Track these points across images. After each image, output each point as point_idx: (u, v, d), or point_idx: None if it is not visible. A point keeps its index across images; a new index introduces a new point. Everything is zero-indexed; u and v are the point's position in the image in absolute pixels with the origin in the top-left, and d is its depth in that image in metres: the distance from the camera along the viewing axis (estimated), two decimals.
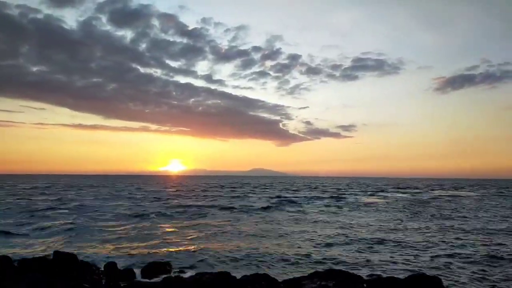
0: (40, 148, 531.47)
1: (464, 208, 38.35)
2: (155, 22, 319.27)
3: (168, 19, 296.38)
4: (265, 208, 35.33)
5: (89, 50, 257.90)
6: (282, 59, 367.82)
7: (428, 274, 10.91)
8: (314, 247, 17.33)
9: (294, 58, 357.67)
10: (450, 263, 14.16)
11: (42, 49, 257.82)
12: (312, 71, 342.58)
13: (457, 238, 19.59)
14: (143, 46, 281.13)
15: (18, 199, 43.83)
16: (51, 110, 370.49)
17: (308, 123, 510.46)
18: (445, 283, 10.90)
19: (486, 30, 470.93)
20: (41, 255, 12.93)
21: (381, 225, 24.45)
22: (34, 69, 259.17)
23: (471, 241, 18.77)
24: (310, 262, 14.39)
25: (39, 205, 35.53)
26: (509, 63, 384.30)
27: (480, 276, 12.50)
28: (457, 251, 16.40)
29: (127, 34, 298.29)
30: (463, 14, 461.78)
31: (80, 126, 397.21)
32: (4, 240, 18.36)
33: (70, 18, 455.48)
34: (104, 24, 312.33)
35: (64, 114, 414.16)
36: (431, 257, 15.22)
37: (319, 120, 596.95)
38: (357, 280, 10.53)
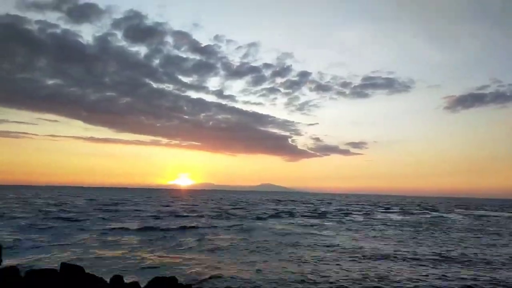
0: (52, 160, 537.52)
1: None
2: (169, 39, 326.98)
3: (182, 36, 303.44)
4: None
5: (103, 64, 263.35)
6: (292, 76, 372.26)
7: None
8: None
9: (304, 75, 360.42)
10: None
11: (58, 63, 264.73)
12: (321, 88, 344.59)
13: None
14: (156, 62, 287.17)
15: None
16: (65, 123, 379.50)
17: (317, 139, 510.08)
18: None
19: (496, 50, 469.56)
20: (48, 267, 12.91)
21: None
22: (50, 82, 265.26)
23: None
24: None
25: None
26: None
27: None
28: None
29: (141, 50, 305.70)
30: (473, 33, 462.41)
31: (92, 139, 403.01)
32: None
33: (87, 33, 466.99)
34: (119, 40, 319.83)
35: (77, 127, 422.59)
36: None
37: (328, 136, 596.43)
38: None
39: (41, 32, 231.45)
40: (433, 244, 23.60)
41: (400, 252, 20.38)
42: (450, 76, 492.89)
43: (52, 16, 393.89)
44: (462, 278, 14.66)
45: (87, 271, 12.16)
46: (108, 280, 11.98)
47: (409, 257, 19.00)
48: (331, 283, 13.44)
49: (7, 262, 14.90)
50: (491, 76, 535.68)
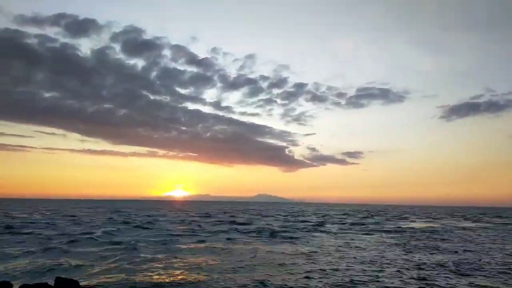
0: (49, 173, 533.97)
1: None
2: (167, 52, 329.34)
3: (179, 49, 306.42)
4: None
5: (101, 77, 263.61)
6: (289, 87, 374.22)
7: None
8: None
9: (300, 86, 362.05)
10: None
11: (55, 75, 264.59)
12: (317, 98, 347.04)
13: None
14: (154, 74, 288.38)
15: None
16: (61, 135, 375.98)
17: (313, 149, 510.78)
18: None
19: (489, 59, 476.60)
20: (42, 281, 12.87)
21: None
22: (47, 95, 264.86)
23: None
24: None
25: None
26: None
27: None
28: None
29: (138, 63, 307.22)
30: (466, 42, 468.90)
31: (88, 151, 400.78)
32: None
33: (85, 47, 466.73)
34: (117, 53, 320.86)
35: (73, 139, 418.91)
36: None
37: (324, 146, 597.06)
38: None
39: (40, 46, 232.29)
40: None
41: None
42: (444, 85, 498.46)
43: (51, 30, 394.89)
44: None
45: (82, 283, 12.17)
46: None
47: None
48: None
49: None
50: (484, 85, 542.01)
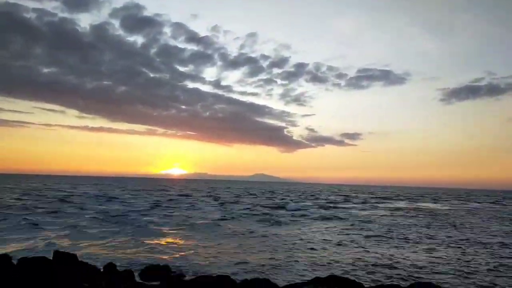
0: (47, 149, 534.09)
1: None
2: (166, 30, 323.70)
3: (179, 27, 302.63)
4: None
5: (100, 53, 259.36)
6: (289, 67, 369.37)
7: (434, 283, 10.75)
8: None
9: (301, 66, 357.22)
10: (459, 275, 13.97)
11: (54, 51, 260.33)
12: (318, 79, 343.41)
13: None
14: (153, 51, 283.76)
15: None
16: (60, 112, 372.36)
17: (312, 130, 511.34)
18: None
19: (491, 42, 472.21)
20: (41, 255, 12.86)
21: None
22: (46, 70, 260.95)
23: (476, 253, 18.59)
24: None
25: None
26: None
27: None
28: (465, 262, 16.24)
29: (138, 39, 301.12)
30: (468, 24, 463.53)
31: (87, 128, 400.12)
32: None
33: (84, 22, 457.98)
34: (117, 29, 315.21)
35: (72, 116, 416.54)
36: (433, 266, 15.06)
37: (323, 127, 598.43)
38: (358, 287, 10.41)
39: (38, 20, 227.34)
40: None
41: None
42: (445, 68, 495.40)
43: (49, 4, 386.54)
44: None
45: (80, 259, 12.15)
46: (101, 268, 11.99)
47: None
48: None
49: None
50: (485, 68, 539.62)
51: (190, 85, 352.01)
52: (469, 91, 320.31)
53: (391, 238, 22.21)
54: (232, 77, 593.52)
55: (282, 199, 63.20)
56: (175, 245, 18.23)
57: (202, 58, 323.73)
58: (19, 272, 10.54)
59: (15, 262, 11.16)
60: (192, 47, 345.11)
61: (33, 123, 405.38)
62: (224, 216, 31.58)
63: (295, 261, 15.32)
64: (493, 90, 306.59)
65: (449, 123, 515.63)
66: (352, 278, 11.41)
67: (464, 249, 18.90)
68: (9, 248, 15.81)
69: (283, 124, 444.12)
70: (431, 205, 58.55)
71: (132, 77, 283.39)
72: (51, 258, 11.68)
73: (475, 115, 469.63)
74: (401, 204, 59.11)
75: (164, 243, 18.77)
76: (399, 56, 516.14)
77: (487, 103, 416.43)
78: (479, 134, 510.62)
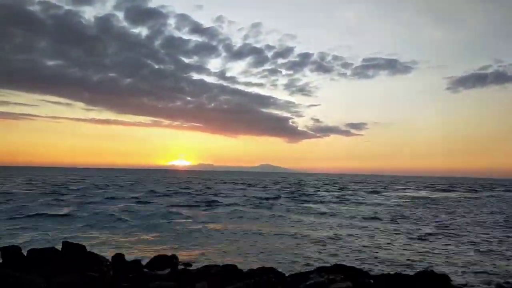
0: (54, 141, 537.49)
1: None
2: (171, 21, 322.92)
3: (184, 18, 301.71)
4: None
5: (104, 45, 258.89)
6: (294, 57, 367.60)
7: (436, 271, 10.78)
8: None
9: (305, 56, 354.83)
10: (459, 262, 13.99)
11: (58, 43, 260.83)
12: (323, 69, 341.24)
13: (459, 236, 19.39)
14: (158, 43, 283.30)
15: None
16: (66, 104, 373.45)
17: (317, 120, 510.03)
18: (454, 281, 10.78)
19: (498, 29, 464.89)
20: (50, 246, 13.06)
21: None
22: (50, 63, 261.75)
23: (476, 239, 18.57)
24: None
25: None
26: None
27: (487, 274, 12.34)
28: (466, 248, 16.24)
29: (142, 31, 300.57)
30: (475, 11, 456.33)
31: (93, 120, 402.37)
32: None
33: (89, 14, 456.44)
34: (121, 21, 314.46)
35: (78, 108, 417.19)
36: (438, 254, 15.09)
37: (329, 117, 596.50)
38: (364, 275, 10.46)
39: (42, 13, 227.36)
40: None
41: None
42: (452, 56, 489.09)
43: None
44: None
45: (88, 249, 12.31)
46: (109, 258, 12.15)
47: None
48: None
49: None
50: (493, 56, 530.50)
51: (195, 76, 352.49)
52: (476, 79, 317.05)
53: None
54: (236, 68, 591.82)
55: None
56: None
57: (207, 49, 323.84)
58: (28, 263, 10.72)
59: (25, 253, 11.35)
60: (196, 38, 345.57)
61: (39, 116, 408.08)
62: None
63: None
64: (500, 77, 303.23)
65: (456, 112, 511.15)
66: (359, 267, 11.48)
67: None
68: (21, 239, 16.10)
69: (288, 115, 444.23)
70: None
71: (137, 69, 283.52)
72: (60, 249, 11.86)
73: (482, 104, 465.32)
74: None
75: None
76: (405, 44, 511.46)
77: (494, 91, 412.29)
78: (486, 123, 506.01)
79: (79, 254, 11.38)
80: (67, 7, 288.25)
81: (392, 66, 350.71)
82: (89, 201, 33.26)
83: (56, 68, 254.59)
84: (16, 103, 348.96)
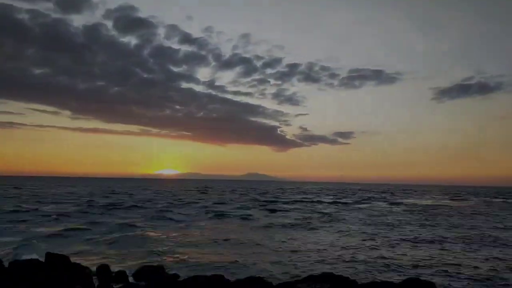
0: (40, 151, 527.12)
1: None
2: (161, 31, 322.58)
3: (173, 28, 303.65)
4: None
5: (93, 54, 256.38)
6: (282, 68, 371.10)
7: (422, 279, 10.89)
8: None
9: (294, 66, 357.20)
10: (446, 270, 14.12)
11: (46, 52, 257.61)
12: (310, 79, 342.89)
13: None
14: (146, 52, 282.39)
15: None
16: (53, 112, 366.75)
17: (305, 129, 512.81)
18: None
19: (481, 41, 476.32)
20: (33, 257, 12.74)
21: None
22: (38, 71, 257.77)
23: (463, 248, 18.84)
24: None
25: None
26: (503, 75, 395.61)
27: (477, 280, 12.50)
28: (452, 257, 16.44)
29: (131, 40, 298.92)
30: (459, 22, 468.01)
31: (80, 129, 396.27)
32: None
33: (77, 22, 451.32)
34: (110, 29, 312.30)
35: (65, 117, 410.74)
36: (424, 263, 15.24)
37: (316, 127, 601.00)
38: (351, 284, 10.49)
39: (31, 21, 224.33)
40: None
41: None
42: (437, 67, 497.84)
43: (42, 5, 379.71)
44: None
45: (73, 260, 12.06)
46: (94, 269, 11.93)
47: None
48: None
49: None
50: (475, 67, 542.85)
51: (184, 85, 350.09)
52: (460, 90, 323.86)
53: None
54: (225, 77, 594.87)
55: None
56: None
57: (196, 59, 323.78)
58: (10, 275, 10.43)
59: (6, 265, 11.05)
60: (185, 48, 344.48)
61: (26, 124, 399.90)
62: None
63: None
64: (484, 88, 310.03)
65: (441, 122, 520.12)
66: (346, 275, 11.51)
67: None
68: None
69: (277, 124, 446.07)
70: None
71: (126, 77, 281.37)
72: (43, 260, 11.60)
73: (466, 114, 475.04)
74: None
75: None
76: (391, 56, 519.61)
77: (478, 102, 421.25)
78: (470, 132, 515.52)
79: (63, 266, 11.14)
80: (55, 16, 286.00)
81: (378, 77, 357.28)
82: None
83: (44, 76, 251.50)
84: (1, 112, 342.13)
